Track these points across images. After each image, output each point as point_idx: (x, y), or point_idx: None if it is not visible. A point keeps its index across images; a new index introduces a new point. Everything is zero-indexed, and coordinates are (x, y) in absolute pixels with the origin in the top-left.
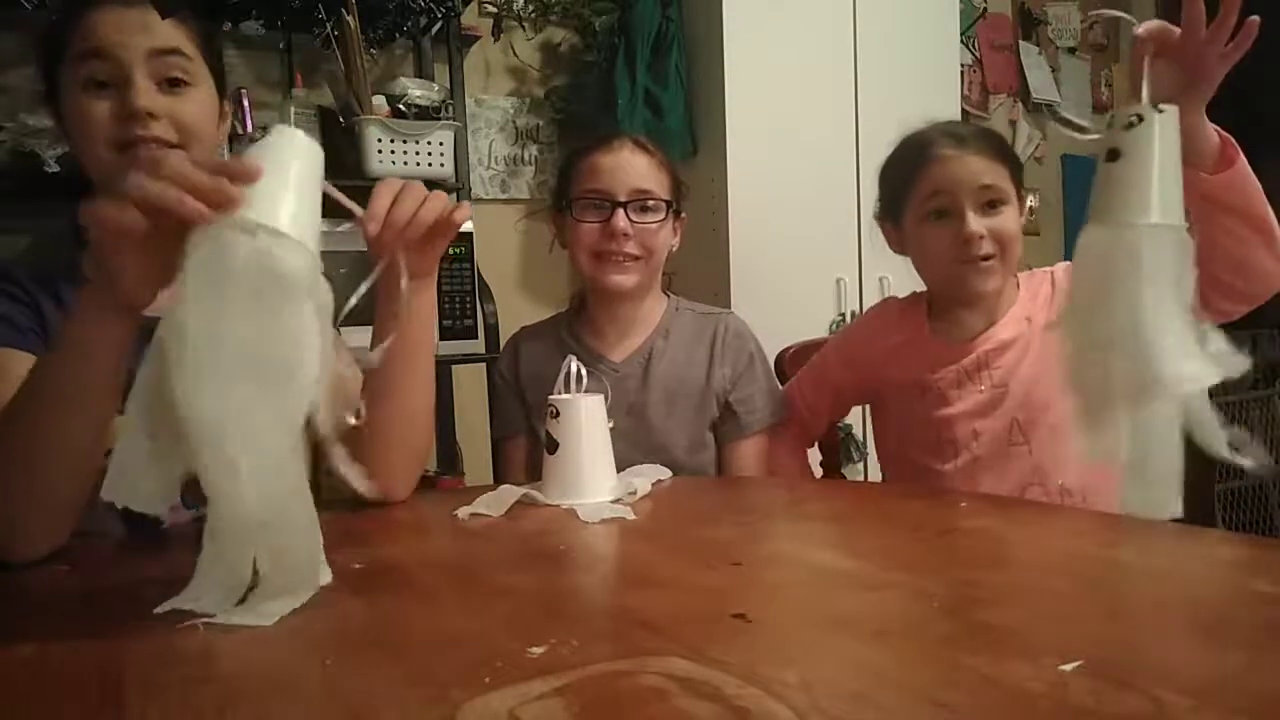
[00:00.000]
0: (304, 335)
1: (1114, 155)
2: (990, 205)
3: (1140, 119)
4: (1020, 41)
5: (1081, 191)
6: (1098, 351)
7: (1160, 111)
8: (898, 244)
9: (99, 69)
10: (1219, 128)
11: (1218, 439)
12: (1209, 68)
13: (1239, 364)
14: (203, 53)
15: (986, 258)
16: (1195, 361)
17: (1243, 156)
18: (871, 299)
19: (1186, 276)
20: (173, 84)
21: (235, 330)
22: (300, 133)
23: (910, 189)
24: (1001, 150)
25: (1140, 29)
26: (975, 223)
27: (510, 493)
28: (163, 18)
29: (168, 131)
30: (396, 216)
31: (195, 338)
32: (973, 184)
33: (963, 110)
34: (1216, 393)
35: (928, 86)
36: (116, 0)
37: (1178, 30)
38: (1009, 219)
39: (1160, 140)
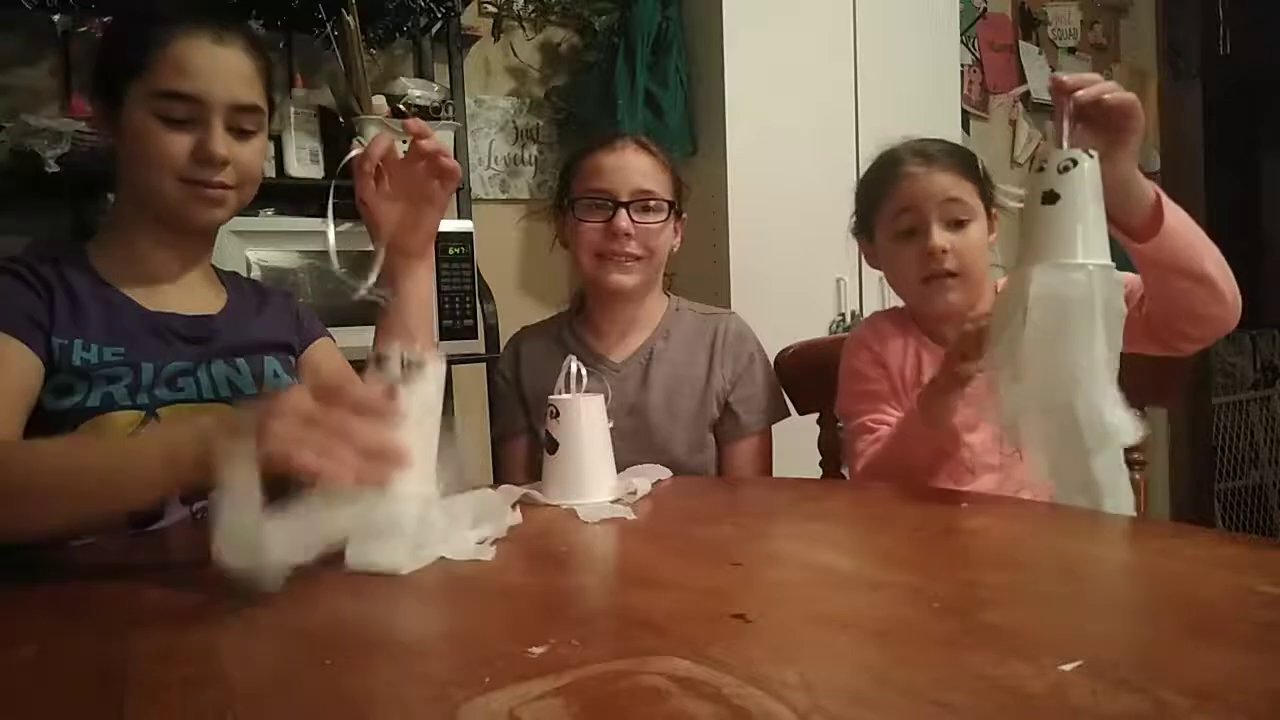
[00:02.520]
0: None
1: (1052, 198)
2: (957, 224)
3: (1075, 163)
4: (1020, 41)
5: None
6: (1064, 396)
7: (1090, 156)
8: (873, 258)
9: (181, 110)
10: (1162, 189)
11: (1127, 495)
12: (1119, 120)
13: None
14: (269, 96)
15: (950, 275)
16: (1123, 411)
17: (1174, 215)
18: (871, 299)
19: (1120, 313)
20: (242, 133)
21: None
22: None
23: (880, 206)
24: (970, 167)
25: (1064, 78)
26: (940, 237)
27: (510, 493)
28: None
29: (231, 177)
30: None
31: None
32: (938, 199)
33: (963, 110)
34: (1218, 393)
35: (928, 86)
36: (206, 30)
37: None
38: (974, 236)
39: (1093, 182)
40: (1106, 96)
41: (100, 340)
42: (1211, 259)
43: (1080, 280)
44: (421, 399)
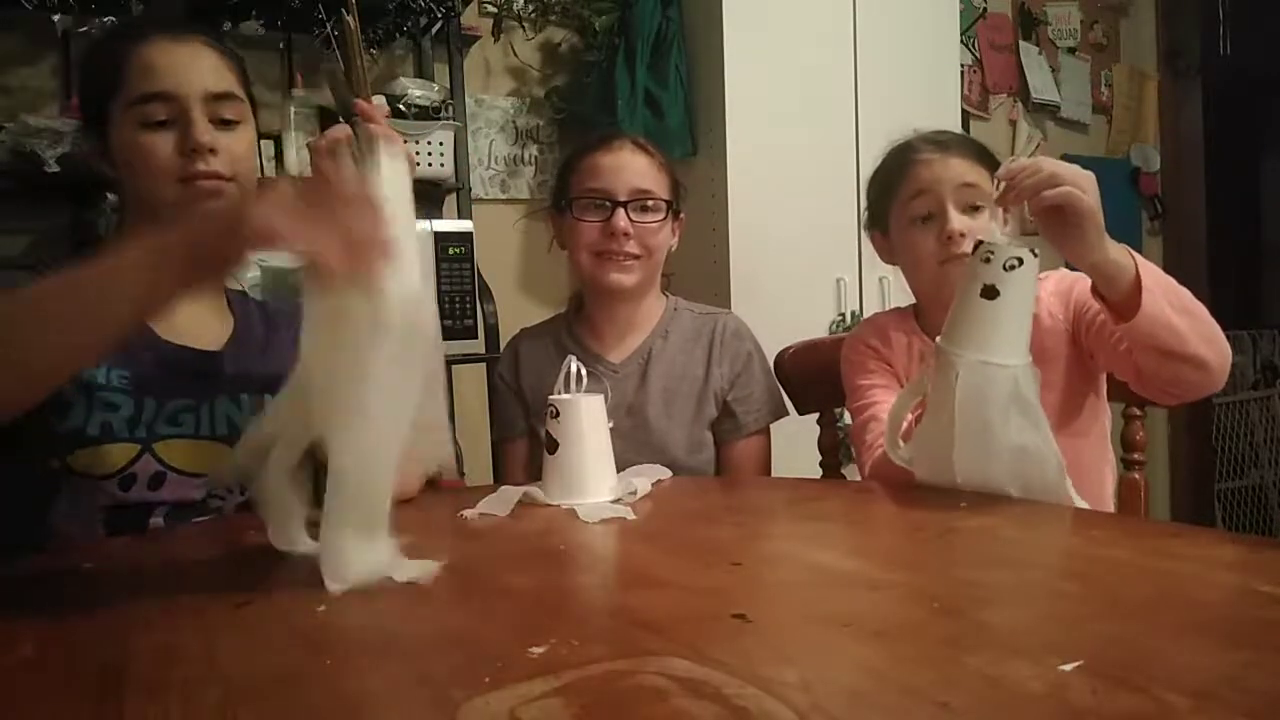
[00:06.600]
0: (434, 380)
1: (992, 293)
2: (973, 208)
3: (1020, 262)
4: (1020, 41)
5: None
6: (995, 486)
7: (1034, 255)
8: (886, 253)
9: (161, 110)
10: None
11: None
12: (1068, 217)
13: None
14: (246, 90)
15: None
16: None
17: (1157, 295)
18: (871, 299)
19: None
20: (225, 123)
21: (383, 374)
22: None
23: (894, 193)
24: (983, 155)
25: (1004, 173)
26: (957, 220)
27: (512, 493)
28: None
29: (225, 166)
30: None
31: (344, 377)
32: (954, 183)
33: (963, 110)
34: (1218, 393)
35: (928, 86)
36: (165, 34)
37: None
38: (990, 222)
39: (1032, 280)
40: (1046, 194)
41: (109, 360)
42: (1198, 336)
43: (1004, 380)
44: (383, 187)
